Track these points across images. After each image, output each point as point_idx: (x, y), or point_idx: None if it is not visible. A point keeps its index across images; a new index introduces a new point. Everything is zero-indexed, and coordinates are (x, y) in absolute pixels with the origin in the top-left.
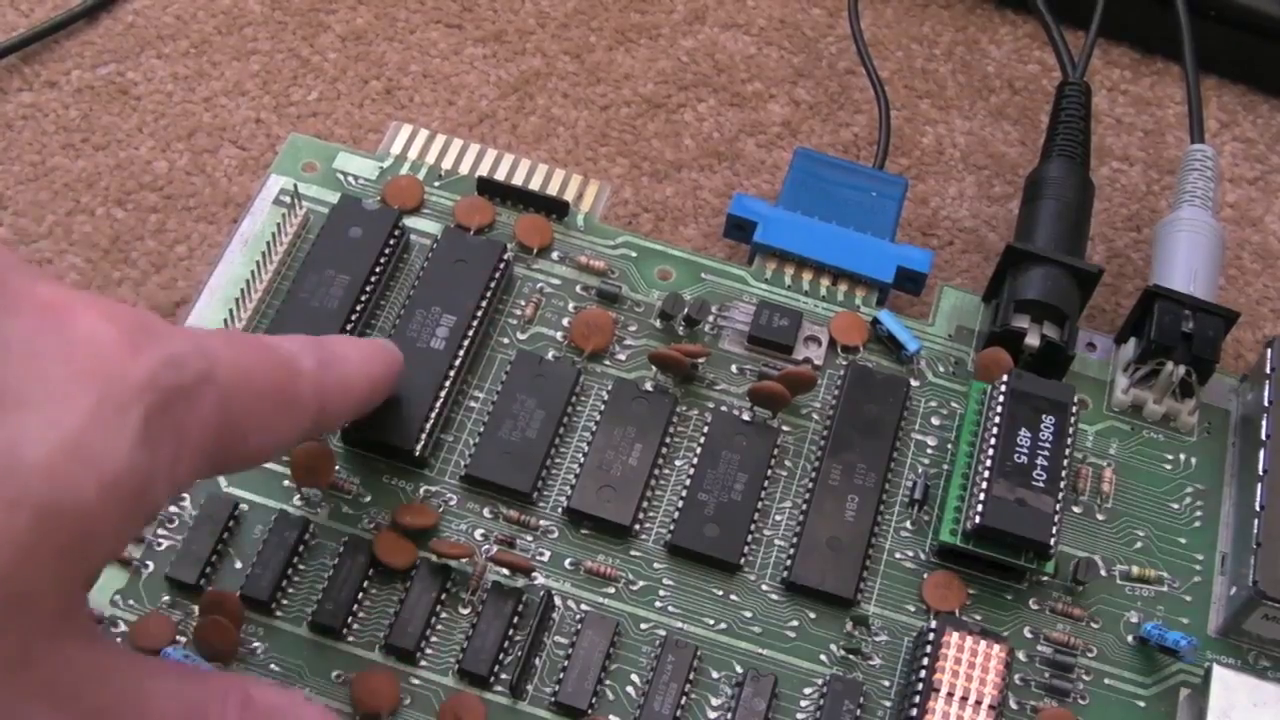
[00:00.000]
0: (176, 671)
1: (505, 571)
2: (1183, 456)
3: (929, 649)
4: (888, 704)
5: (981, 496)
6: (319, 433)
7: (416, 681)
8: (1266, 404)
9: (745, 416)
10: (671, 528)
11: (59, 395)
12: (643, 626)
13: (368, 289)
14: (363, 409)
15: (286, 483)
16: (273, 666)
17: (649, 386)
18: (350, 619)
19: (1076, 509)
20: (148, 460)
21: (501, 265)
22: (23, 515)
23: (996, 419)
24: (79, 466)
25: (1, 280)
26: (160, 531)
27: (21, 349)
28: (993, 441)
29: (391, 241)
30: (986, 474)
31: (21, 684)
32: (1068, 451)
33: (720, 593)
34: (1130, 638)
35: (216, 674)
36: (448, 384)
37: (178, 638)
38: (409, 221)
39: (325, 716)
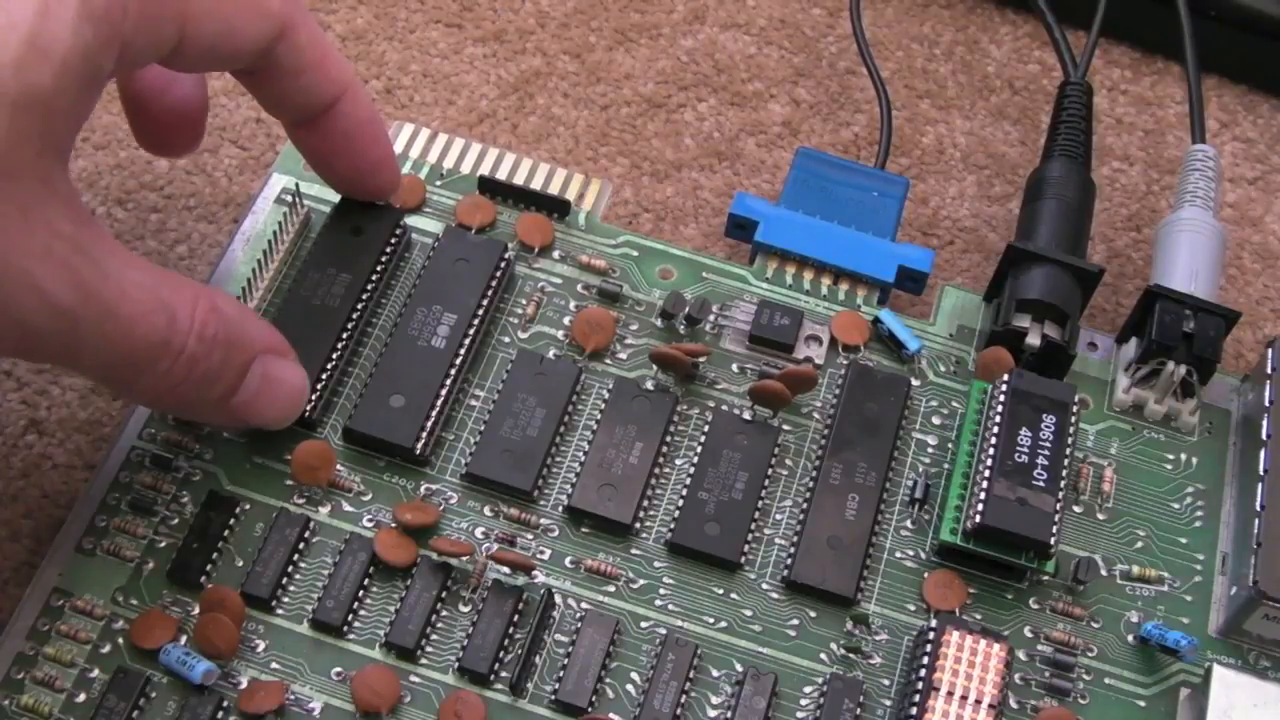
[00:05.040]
0: (154, 270)
1: (506, 569)
2: (1183, 456)
3: (929, 648)
4: (888, 703)
5: (982, 496)
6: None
7: (417, 679)
8: (1267, 404)
9: (746, 415)
10: (672, 526)
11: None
12: (643, 625)
13: (369, 287)
14: None
15: (287, 481)
16: (273, 664)
17: (650, 385)
18: (351, 617)
19: (1077, 508)
20: (90, 34)
21: (503, 264)
22: (4, 111)
23: (997, 418)
24: (38, 57)
25: None
26: (161, 529)
27: None
28: (993, 441)
29: (393, 240)
30: (987, 473)
31: (19, 245)
32: (1068, 451)
33: (720, 591)
34: (1131, 637)
35: (189, 282)
36: (449, 382)
37: (178, 635)
38: (410, 220)
39: (273, 335)
